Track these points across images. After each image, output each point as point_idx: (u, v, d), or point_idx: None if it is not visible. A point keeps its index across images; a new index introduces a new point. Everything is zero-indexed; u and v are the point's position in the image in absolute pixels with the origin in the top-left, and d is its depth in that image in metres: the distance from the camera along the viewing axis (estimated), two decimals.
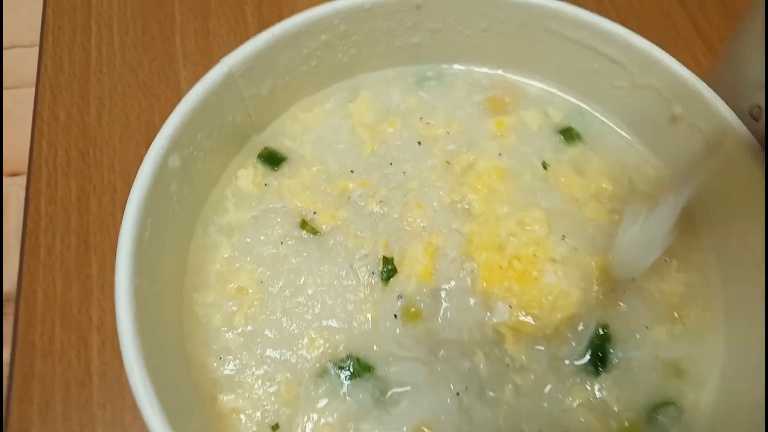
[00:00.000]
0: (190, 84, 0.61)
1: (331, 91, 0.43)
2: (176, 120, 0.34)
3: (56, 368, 0.44)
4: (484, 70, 0.45)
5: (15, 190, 0.72)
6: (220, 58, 0.36)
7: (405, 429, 0.32)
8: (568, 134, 0.42)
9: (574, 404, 0.34)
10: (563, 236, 0.37)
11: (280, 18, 0.38)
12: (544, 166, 0.40)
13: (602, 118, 0.43)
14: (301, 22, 0.38)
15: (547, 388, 0.34)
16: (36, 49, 0.61)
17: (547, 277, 0.37)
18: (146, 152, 0.56)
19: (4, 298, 0.76)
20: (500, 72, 0.44)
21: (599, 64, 0.40)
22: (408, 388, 0.34)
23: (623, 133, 0.42)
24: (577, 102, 0.43)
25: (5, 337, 0.79)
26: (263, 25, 0.52)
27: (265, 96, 0.40)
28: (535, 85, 0.44)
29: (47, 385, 0.43)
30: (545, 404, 0.34)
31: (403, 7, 0.40)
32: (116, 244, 0.50)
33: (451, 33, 0.42)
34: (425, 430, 0.33)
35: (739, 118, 0.34)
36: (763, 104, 0.31)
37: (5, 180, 0.74)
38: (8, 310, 0.78)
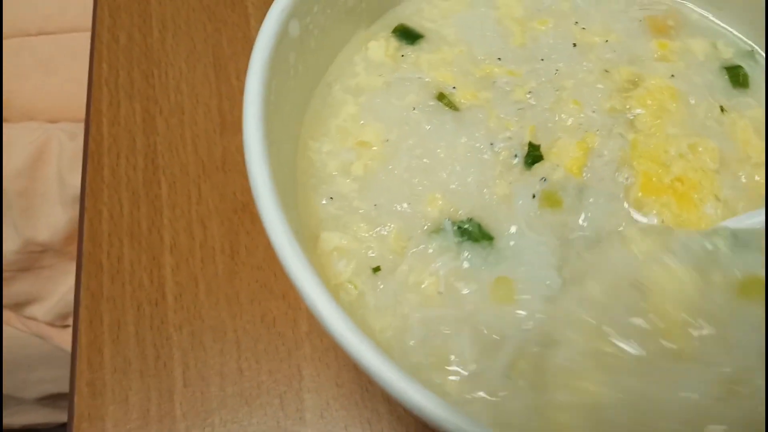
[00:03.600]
0: (258, 8, 0.58)
1: None
2: None
3: (126, 288, 0.43)
4: None
5: (57, 134, 0.68)
6: None
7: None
8: (735, 75, 0.43)
9: None
10: (735, 180, 0.39)
11: None
12: (722, 109, 0.41)
13: None
14: None
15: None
16: None
17: (707, 208, 0.37)
18: (215, 76, 0.52)
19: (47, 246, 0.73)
20: None
21: None
22: (523, 268, 0.35)
23: None
24: (744, 38, 0.45)
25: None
26: None
27: None
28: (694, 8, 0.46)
29: (117, 305, 0.41)
30: None
31: None
32: (186, 164, 0.46)
33: None
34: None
35: None
36: None
37: (45, 125, 0.70)
38: (50, 260, 0.75)
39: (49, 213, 0.80)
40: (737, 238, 0.33)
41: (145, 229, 0.48)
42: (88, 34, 0.60)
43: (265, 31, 0.34)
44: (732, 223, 0.36)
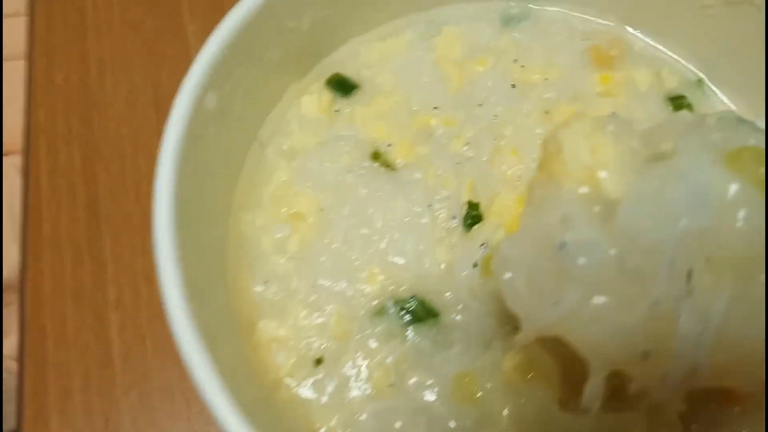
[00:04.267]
0: (198, 38, 0.56)
1: (404, 23, 0.44)
2: (213, 50, 0.34)
3: (72, 353, 0.40)
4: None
5: (11, 171, 0.66)
6: (231, 8, 0.37)
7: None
8: (679, 106, 0.42)
9: None
10: None
11: None
12: None
13: (722, 97, 0.43)
14: None
15: None
16: (21, 19, 0.60)
17: None
18: (156, 115, 0.50)
19: (3, 285, 0.71)
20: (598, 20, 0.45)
21: None
22: (468, 340, 0.34)
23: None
24: (690, 67, 0.44)
25: (9, 326, 0.73)
26: None
27: (306, 31, 0.40)
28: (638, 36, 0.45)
29: (63, 371, 0.39)
30: None
31: None
32: (129, 214, 0.45)
33: None
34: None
35: None
36: None
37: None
38: (8, 299, 0.72)
39: (4, 250, 0.77)
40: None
41: (89, 286, 0.47)
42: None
43: (177, 111, 0.32)
44: None
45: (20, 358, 0.45)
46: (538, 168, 0.30)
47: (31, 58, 0.57)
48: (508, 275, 0.29)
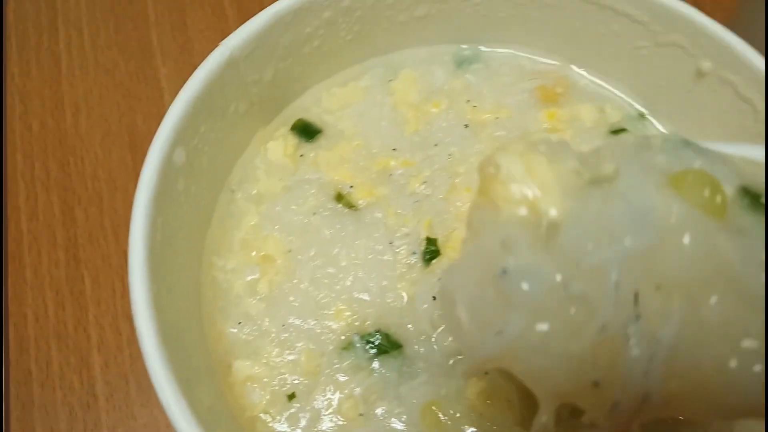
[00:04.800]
0: (172, 82, 0.58)
1: (362, 68, 0.47)
2: (179, 110, 0.36)
3: (57, 394, 0.41)
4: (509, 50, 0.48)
5: None
6: (201, 53, 0.39)
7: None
8: None
9: None
10: None
11: (261, 7, 0.40)
12: None
13: (661, 128, 0.46)
14: None
15: None
16: None
17: None
18: (131, 157, 0.52)
19: None
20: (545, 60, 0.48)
21: (618, 24, 0.43)
22: (431, 370, 0.36)
23: None
24: (631, 102, 0.46)
25: None
26: (243, 16, 0.49)
27: (269, 82, 0.43)
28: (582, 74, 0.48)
29: (49, 412, 0.40)
30: None
31: None
32: (108, 256, 0.46)
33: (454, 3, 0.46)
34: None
35: None
36: None
37: None
38: None
39: None
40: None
41: (71, 328, 0.48)
42: None
43: (147, 168, 0.33)
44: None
45: (6, 402, 0.46)
46: (476, 192, 0.29)
47: (6, 103, 0.58)
48: (448, 307, 0.28)
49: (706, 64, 0.40)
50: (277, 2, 0.40)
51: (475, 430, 0.35)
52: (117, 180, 0.55)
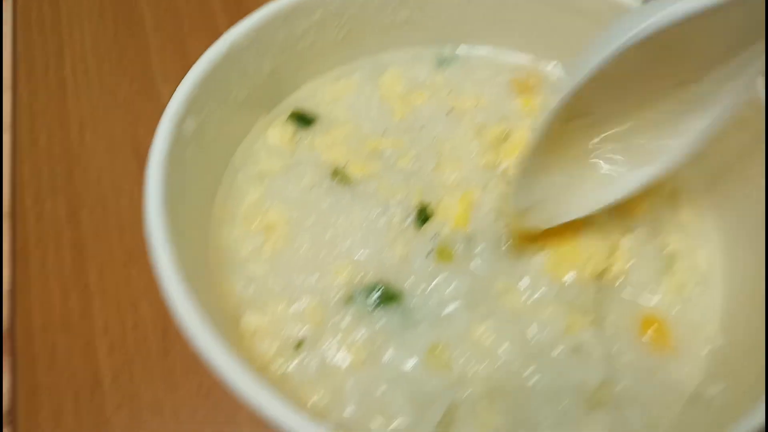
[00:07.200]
0: None
1: (353, 67, 0.51)
2: (189, 84, 0.39)
3: (62, 377, 0.42)
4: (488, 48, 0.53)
5: None
6: None
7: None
8: None
9: None
10: None
11: None
12: None
13: None
14: None
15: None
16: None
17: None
18: (135, 164, 0.56)
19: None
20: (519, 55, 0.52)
21: (581, 21, 0.47)
22: (431, 318, 0.39)
23: None
24: None
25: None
26: None
27: (267, 74, 0.46)
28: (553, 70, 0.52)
29: (54, 393, 0.41)
30: None
31: None
32: (114, 251, 0.50)
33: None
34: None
35: None
36: None
37: None
38: None
39: None
40: None
41: (76, 316, 0.50)
42: None
43: (161, 133, 0.37)
44: None
45: (13, 384, 0.47)
46: None
47: (15, 120, 0.61)
48: None
49: None
50: (271, 2, 0.44)
51: (482, 366, 0.37)
52: (122, 185, 0.57)
